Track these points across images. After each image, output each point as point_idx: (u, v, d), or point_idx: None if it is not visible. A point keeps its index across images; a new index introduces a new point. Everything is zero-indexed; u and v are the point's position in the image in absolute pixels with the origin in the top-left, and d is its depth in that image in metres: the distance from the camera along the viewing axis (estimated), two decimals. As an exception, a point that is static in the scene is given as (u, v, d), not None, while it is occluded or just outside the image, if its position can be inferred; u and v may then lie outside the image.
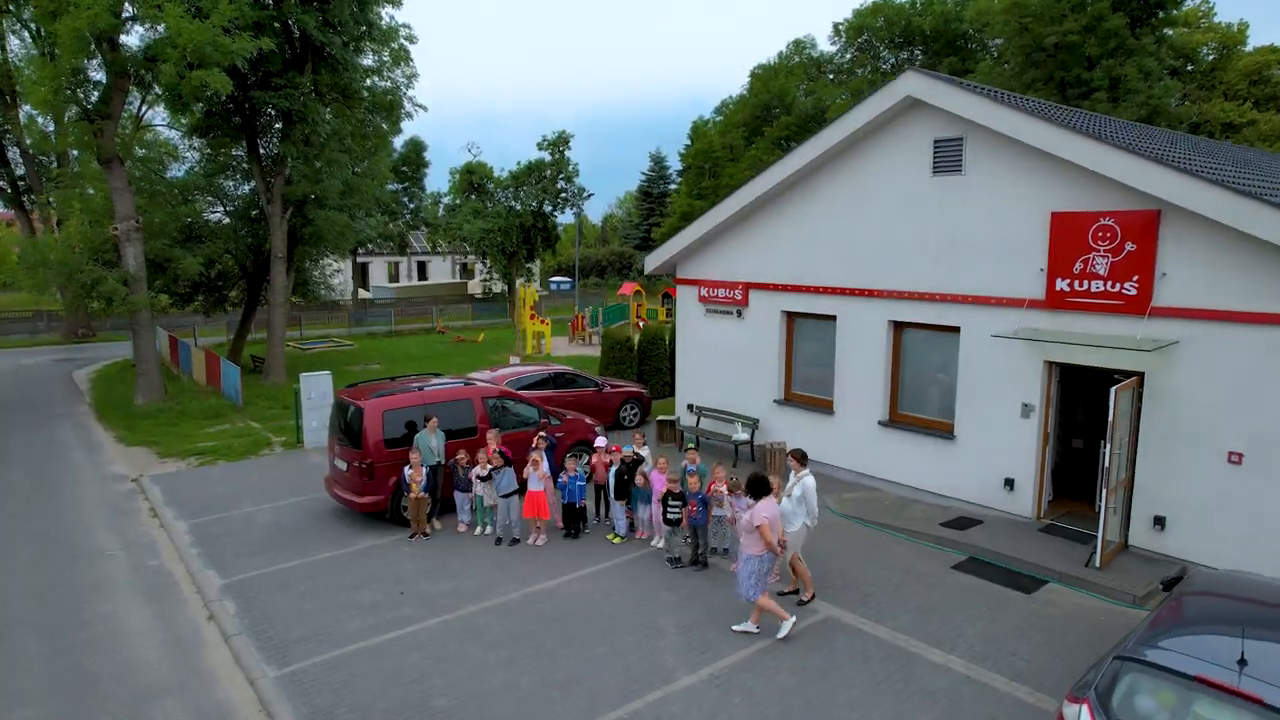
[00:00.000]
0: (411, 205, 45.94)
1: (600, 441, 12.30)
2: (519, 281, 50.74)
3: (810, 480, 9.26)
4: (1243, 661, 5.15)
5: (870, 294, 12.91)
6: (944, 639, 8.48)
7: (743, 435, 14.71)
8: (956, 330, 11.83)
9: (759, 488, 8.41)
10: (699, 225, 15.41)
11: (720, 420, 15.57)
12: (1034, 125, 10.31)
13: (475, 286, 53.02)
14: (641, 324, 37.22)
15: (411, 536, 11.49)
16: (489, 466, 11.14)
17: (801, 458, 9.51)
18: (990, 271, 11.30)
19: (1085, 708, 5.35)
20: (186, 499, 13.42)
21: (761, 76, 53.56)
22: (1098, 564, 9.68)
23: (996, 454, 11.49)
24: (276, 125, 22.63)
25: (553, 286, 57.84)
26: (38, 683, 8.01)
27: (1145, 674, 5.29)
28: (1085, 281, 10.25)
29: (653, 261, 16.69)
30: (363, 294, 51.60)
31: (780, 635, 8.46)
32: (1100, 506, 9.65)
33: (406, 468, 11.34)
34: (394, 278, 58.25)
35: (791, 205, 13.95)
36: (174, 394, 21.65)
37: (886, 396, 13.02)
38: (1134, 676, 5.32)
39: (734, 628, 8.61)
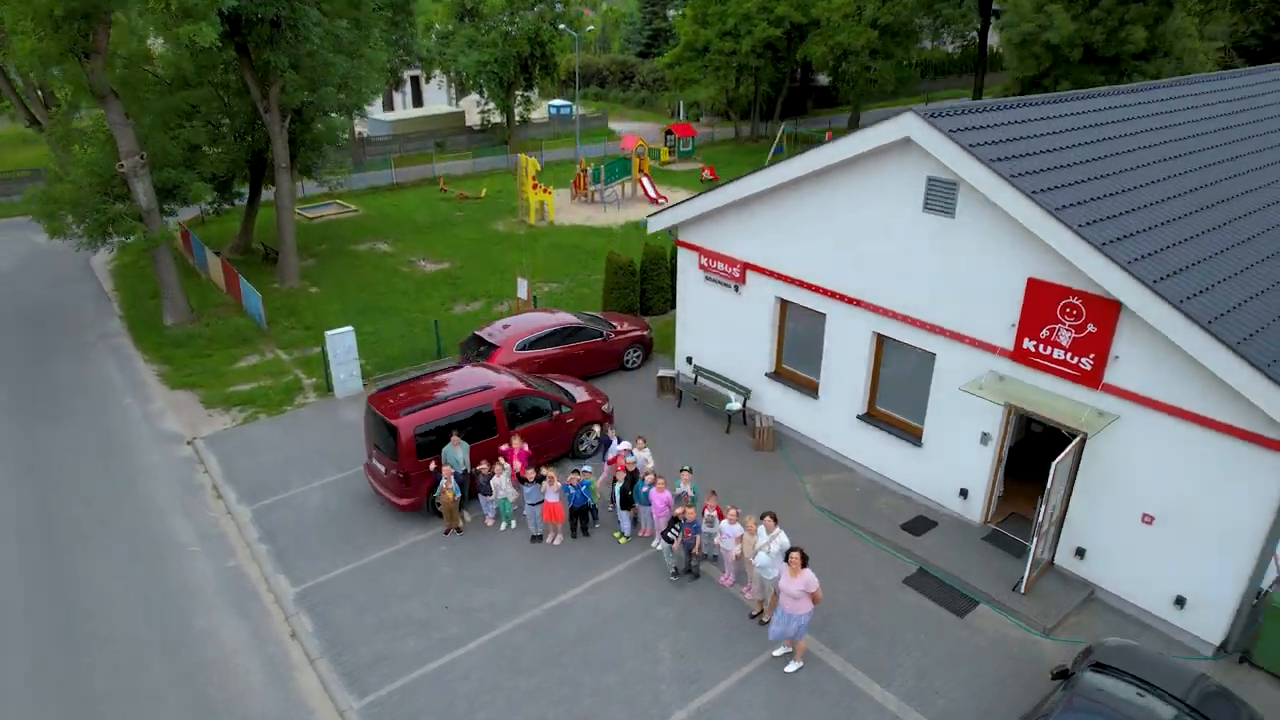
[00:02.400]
0: (402, 40, 43.45)
1: (623, 443, 13.79)
2: (518, 110, 49.25)
3: (784, 539, 10.91)
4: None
5: (858, 303, 13.80)
6: (884, 671, 10.61)
7: (735, 405, 16.18)
8: (933, 355, 12.93)
9: (804, 559, 10.03)
10: (699, 204, 15.81)
11: (715, 383, 16.94)
12: (1018, 201, 10.77)
13: (473, 117, 51.42)
14: (645, 178, 36.95)
15: (446, 532, 13.42)
16: (536, 475, 12.86)
17: (775, 518, 11.11)
18: (967, 313, 12.21)
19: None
20: (241, 473, 15.22)
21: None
22: (1023, 589, 11.63)
23: (956, 466, 13.09)
24: (267, 30, 21.66)
25: (551, 111, 55.85)
26: (177, 711, 10.25)
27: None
28: (1049, 347, 11.26)
29: (655, 224, 17.17)
30: (358, 127, 50.16)
31: (777, 653, 10.75)
32: (1030, 547, 11.40)
33: (440, 480, 13.00)
34: (389, 104, 56.14)
35: (792, 201, 14.36)
36: (198, 309, 22.74)
37: (866, 394, 14.35)
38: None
39: (786, 669, 10.56)
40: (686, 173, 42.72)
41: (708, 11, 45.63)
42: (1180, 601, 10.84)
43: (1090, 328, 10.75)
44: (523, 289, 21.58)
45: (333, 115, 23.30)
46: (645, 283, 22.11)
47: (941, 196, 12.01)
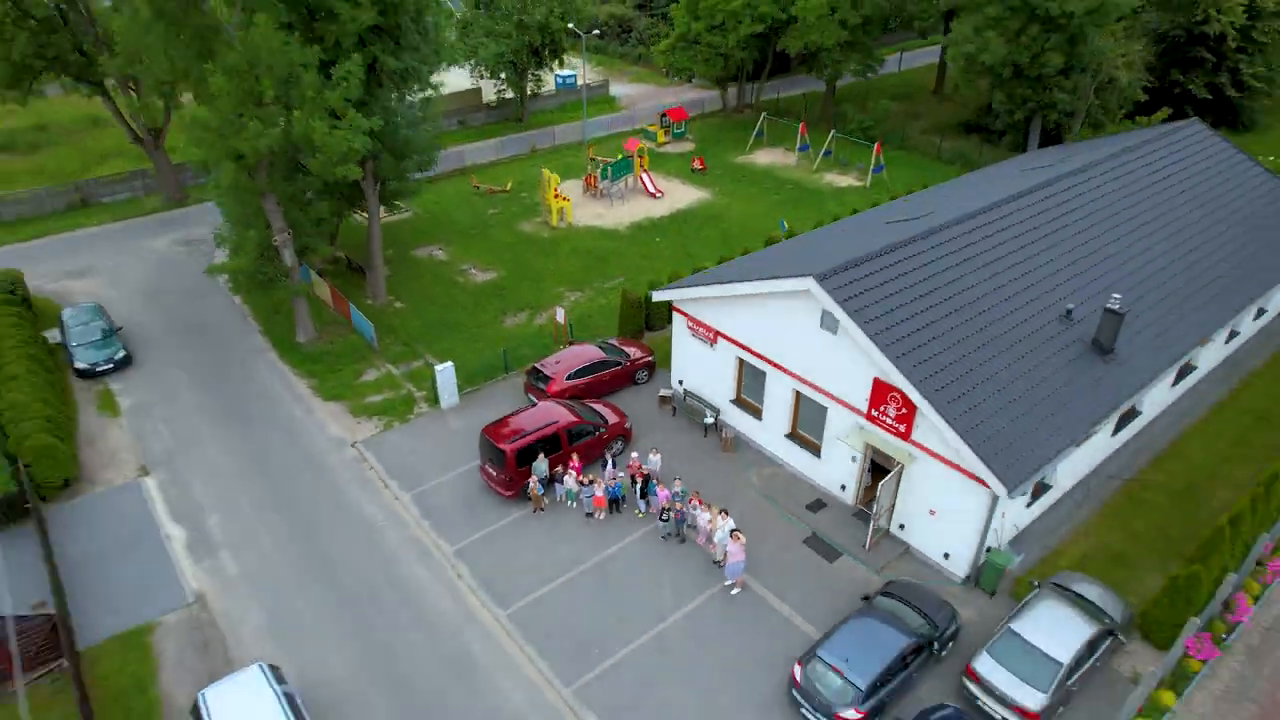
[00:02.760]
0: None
1: (635, 454, 22.51)
2: (529, 86, 55.38)
3: (732, 523, 19.80)
4: (846, 660, 16.35)
5: (785, 371, 22.25)
6: (784, 593, 19.75)
7: (709, 419, 24.82)
8: (825, 408, 21.53)
9: (738, 536, 18.97)
10: (682, 293, 23.91)
11: (697, 402, 25.49)
12: (865, 339, 19.07)
13: (489, 94, 57.43)
14: (645, 175, 44.10)
15: (534, 511, 22.29)
16: (589, 480, 21.68)
17: (727, 511, 20.00)
18: (845, 388, 20.70)
19: (799, 668, 16.69)
20: (397, 468, 23.95)
21: None
22: (867, 547, 20.70)
23: (839, 472, 21.92)
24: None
25: (558, 82, 61.61)
26: (409, 621, 19.39)
27: (817, 660, 16.53)
28: (884, 416, 19.85)
29: (659, 296, 25.25)
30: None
31: (729, 582, 19.73)
32: (872, 523, 20.38)
33: (529, 480, 21.79)
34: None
35: (744, 301, 22.54)
36: (319, 327, 30.82)
37: (789, 422, 23.00)
38: (814, 661, 16.57)
39: (731, 593, 19.61)
40: (679, 155, 49.83)
41: (699, 6, 51.27)
42: (947, 555, 19.92)
43: (903, 409, 19.31)
44: (560, 315, 29.70)
45: (415, 181, 30.84)
46: (648, 310, 30.23)
47: (830, 322, 20.26)
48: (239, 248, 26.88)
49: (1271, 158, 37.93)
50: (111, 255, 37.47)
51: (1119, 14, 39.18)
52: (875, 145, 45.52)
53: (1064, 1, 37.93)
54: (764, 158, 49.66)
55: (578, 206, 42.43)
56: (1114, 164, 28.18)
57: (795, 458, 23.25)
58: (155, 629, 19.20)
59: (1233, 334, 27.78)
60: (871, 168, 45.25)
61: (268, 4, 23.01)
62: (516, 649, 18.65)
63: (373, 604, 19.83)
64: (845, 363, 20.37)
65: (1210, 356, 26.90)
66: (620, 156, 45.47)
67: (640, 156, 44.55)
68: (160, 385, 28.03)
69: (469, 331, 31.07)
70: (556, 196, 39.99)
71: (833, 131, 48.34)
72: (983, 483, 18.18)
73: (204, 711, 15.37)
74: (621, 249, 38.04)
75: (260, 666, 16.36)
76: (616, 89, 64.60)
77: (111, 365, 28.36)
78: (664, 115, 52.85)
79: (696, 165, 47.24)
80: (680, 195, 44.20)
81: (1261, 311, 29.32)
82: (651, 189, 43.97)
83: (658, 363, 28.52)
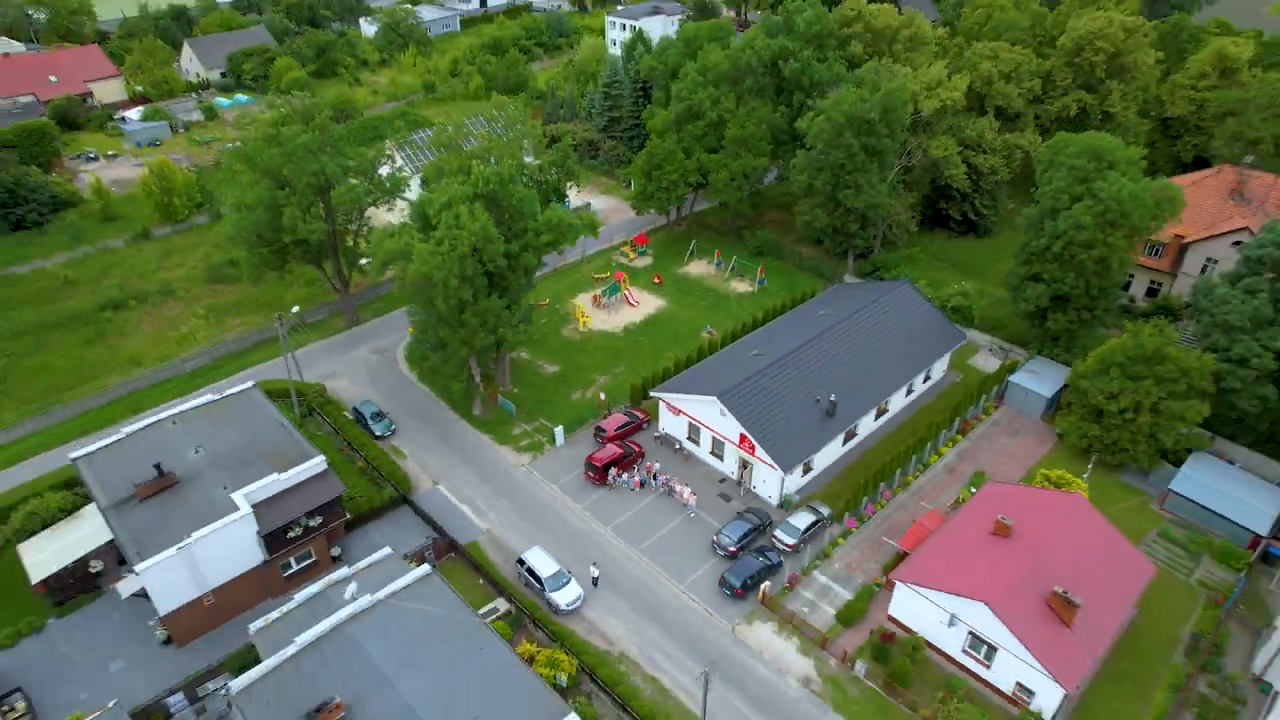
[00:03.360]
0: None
1: (648, 463, 55.16)
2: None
3: (690, 489, 52.66)
4: (730, 532, 49.51)
5: (708, 428, 55.10)
6: (709, 514, 52.74)
7: (677, 447, 57.55)
8: (724, 443, 54.50)
9: (694, 494, 51.85)
10: (664, 396, 56.49)
11: (673, 439, 58.10)
12: (738, 424, 51.95)
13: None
14: (628, 293, 75.69)
15: (609, 490, 54.73)
16: (638, 477, 54.29)
17: (688, 484, 52.97)
18: (730, 435, 53.56)
19: (715, 538, 49.81)
20: (547, 475, 55.97)
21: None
22: (741, 495, 53.89)
23: (732, 467, 55.01)
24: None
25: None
26: (575, 534, 51.79)
27: (721, 533, 49.71)
28: (745, 446, 52.86)
29: (655, 393, 57.71)
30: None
31: (690, 514, 52.69)
32: (743, 486, 53.51)
33: (608, 477, 54.22)
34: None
35: (688, 398, 55.19)
36: (485, 406, 62.25)
37: (710, 445, 55.95)
38: (720, 533, 49.74)
39: (690, 517, 52.40)
40: (644, 269, 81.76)
41: (651, 171, 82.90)
42: (770, 496, 53.30)
43: (752, 444, 52.30)
44: (602, 395, 61.83)
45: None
46: (644, 390, 62.51)
47: (724, 413, 52.97)
48: (457, 376, 58.05)
49: (955, 286, 71.71)
50: (339, 363, 67.97)
51: (888, 205, 72.62)
52: (760, 268, 78.46)
53: (853, 201, 71.10)
54: (695, 269, 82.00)
55: (592, 315, 74.14)
56: (856, 318, 61.44)
57: (714, 462, 56.27)
58: (478, 543, 51.15)
59: (910, 390, 61.72)
60: (757, 280, 78.18)
61: (481, 283, 53.93)
62: (618, 540, 51.31)
63: (555, 529, 51.99)
64: (731, 427, 53.24)
65: (898, 403, 60.84)
66: (611, 277, 77.37)
67: (625, 283, 76.51)
68: (417, 441, 59.37)
69: (556, 404, 62.93)
70: (583, 316, 71.83)
71: (735, 255, 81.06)
72: (775, 469, 51.34)
73: (525, 559, 47.56)
74: (622, 346, 70.17)
75: (538, 547, 48.62)
76: (595, 203, 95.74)
77: (390, 433, 59.53)
78: (633, 241, 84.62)
79: (656, 281, 79.36)
80: (648, 304, 76.30)
81: (928, 377, 63.39)
82: (632, 301, 75.98)
83: (652, 418, 60.99)
